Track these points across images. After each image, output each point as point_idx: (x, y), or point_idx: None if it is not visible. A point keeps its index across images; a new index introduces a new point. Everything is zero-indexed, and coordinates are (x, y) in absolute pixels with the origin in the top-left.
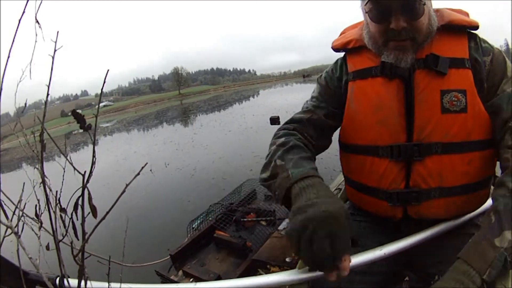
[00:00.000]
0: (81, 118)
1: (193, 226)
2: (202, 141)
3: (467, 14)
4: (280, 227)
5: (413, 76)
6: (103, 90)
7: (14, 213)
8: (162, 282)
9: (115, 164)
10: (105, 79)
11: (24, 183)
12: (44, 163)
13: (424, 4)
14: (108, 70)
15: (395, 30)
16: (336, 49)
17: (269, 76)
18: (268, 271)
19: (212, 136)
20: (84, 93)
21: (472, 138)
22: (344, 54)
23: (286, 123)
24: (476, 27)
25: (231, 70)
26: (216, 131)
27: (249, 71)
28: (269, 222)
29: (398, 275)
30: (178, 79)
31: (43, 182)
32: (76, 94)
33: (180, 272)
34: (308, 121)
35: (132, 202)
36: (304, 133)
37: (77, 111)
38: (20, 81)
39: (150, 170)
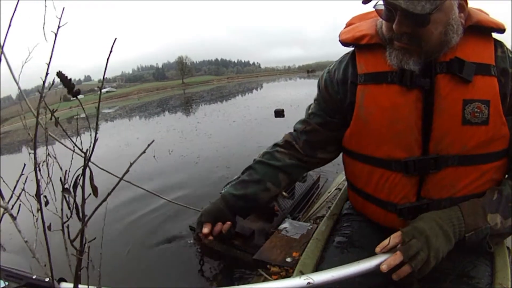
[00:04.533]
0: (67, 82)
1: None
2: (206, 130)
3: (487, 15)
4: (280, 227)
5: (434, 80)
6: (107, 75)
7: (13, 193)
8: (194, 235)
9: (117, 150)
10: (111, 48)
11: (24, 164)
12: (42, 147)
13: (430, 14)
14: (115, 39)
15: (396, 33)
16: (345, 43)
17: (273, 70)
18: (268, 271)
19: (216, 126)
20: (88, 78)
21: (490, 150)
22: (353, 51)
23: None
24: (503, 29)
25: (236, 61)
26: (220, 121)
27: (254, 63)
28: (290, 194)
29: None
30: (182, 68)
31: (35, 167)
32: (79, 79)
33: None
34: (302, 133)
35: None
36: (295, 145)
37: (62, 73)
38: (26, 62)
39: (154, 157)
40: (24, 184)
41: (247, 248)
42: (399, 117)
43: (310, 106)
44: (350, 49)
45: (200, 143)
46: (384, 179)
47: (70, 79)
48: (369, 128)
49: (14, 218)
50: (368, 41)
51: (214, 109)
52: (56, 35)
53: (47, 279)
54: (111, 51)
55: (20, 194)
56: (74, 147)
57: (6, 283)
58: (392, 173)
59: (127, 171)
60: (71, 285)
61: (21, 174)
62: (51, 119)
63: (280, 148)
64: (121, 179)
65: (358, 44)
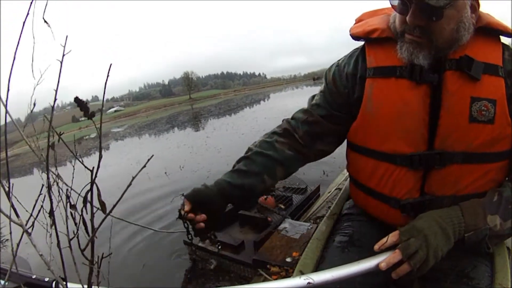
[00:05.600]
0: (84, 105)
1: None
2: (216, 144)
3: (495, 18)
4: (280, 227)
5: (442, 77)
6: (114, 95)
7: (31, 215)
8: (189, 250)
9: (128, 168)
10: (108, 72)
11: (42, 185)
12: (56, 167)
13: (444, 8)
14: (111, 64)
15: (409, 25)
16: (356, 37)
17: (279, 79)
18: (268, 271)
19: (225, 139)
20: (95, 98)
21: (494, 150)
22: (363, 46)
23: (290, 118)
24: (511, 33)
25: (241, 73)
26: (229, 134)
27: (259, 74)
28: (286, 206)
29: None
30: (188, 84)
31: (48, 183)
32: (87, 100)
33: (207, 241)
34: (303, 123)
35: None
36: (295, 134)
37: (79, 98)
38: (37, 84)
39: (165, 173)
40: (42, 205)
41: (236, 259)
42: (407, 111)
43: (313, 96)
44: (360, 43)
45: (210, 157)
46: (388, 174)
47: (87, 102)
48: (376, 122)
49: (29, 234)
50: (379, 35)
51: (222, 123)
52: (61, 63)
53: (46, 279)
54: (107, 76)
55: (37, 214)
56: (74, 166)
57: (6, 283)
58: (397, 168)
59: (130, 185)
60: (72, 285)
61: (39, 195)
62: (58, 141)
63: (279, 138)
64: (119, 199)
65: (369, 38)
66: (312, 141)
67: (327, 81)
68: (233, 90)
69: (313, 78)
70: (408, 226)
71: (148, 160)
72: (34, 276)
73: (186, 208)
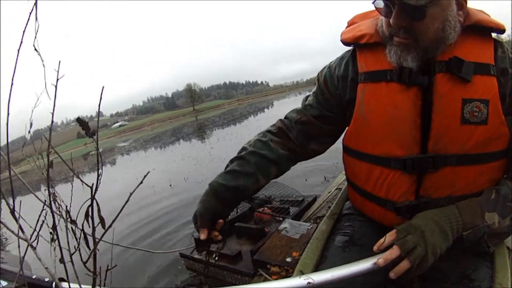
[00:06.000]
0: (85, 125)
1: None
2: (220, 155)
3: (488, 16)
4: (280, 227)
5: (433, 80)
6: (118, 110)
7: (34, 230)
8: (186, 263)
9: (134, 182)
10: (101, 95)
11: (45, 201)
12: (60, 185)
13: (426, 7)
14: (103, 87)
15: (393, 27)
16: (346, 42)
17: (282, 86)
18: (268, 271)
19: (229, 150)
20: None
21: (489, 150)
22: (353, 49)
23: (283, 117)
24: (503, 30)
25: (244, 83)
26: (233, 144)
27: (262, 82)
28: (283, 216)
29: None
30: (191, 95)
31: (50, 199)
32: (91, 116)
33: (204, 252)
34: (296, 123)
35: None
36: (289, 134)
37: (81, 118)
38: (35, 107)
39: (170, 185)
40: (44, 221)
41: (235, 269)
42: (398, 114)
43: (307, 97)
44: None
45: (215, 167)
46: (383, 177)
47: (87, 122)
48: (369, 126)
49: (34, 248)
50: (368, 40)
51: (227, 133)
52: (56, 87)
53: (47, 279)
54: (100, 99)
55: (40, 229)
56: (73, 183)
57: (6, 283)
58: (391, 171)
59: (127, 201)
60: (72, 284)
61: (41, 211)
62: (48, 161)
63: (274, 137)
64: (120, 211)
65: (358, 44)
66: (306, 141)
67: (319, 82)
68: (237, 99)
69: (315, 83)
70: (404, 225)
71: (145, 176)
72: (34, 276)
73: (203, 236)
